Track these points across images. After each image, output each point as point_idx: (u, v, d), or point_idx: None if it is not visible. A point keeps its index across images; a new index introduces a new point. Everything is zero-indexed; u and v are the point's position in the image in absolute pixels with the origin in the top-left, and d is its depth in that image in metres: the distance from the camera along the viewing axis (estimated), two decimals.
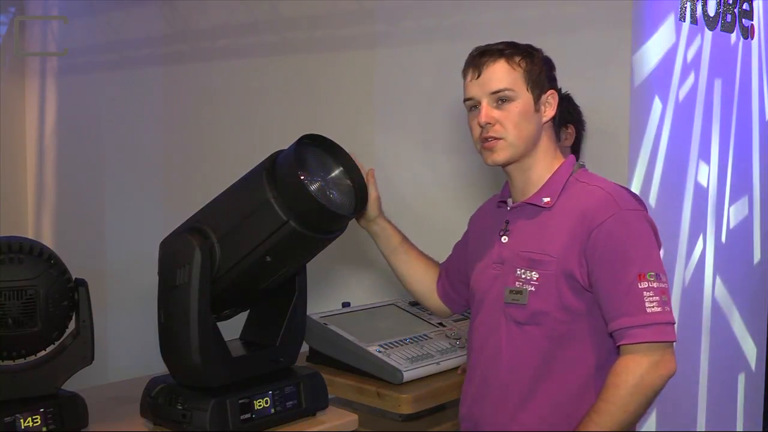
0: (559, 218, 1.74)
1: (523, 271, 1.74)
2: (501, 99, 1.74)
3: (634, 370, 1.62)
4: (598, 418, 1.63)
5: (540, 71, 1.77)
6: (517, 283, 1.74)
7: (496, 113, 1.74)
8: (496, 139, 1.74)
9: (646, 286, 1.63)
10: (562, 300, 1.70)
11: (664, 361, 1.63)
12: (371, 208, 1.99)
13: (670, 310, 1.66)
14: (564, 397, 1.71)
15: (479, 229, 1.96)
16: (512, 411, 1.74)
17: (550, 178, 1.79)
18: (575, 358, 1.71)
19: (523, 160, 1.78)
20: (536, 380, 1.72)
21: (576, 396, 1.71)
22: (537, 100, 1.76)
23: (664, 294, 1.65)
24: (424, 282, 2.10)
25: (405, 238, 2.09)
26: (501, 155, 1.76)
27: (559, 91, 1.84)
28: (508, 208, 1.84)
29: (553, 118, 1.82)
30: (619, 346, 1.66)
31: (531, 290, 1.72)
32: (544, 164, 1.80)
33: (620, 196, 1.73)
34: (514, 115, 1.73)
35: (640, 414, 1.66)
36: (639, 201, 1.78)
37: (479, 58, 1.77)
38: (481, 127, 1.75)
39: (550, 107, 1.79)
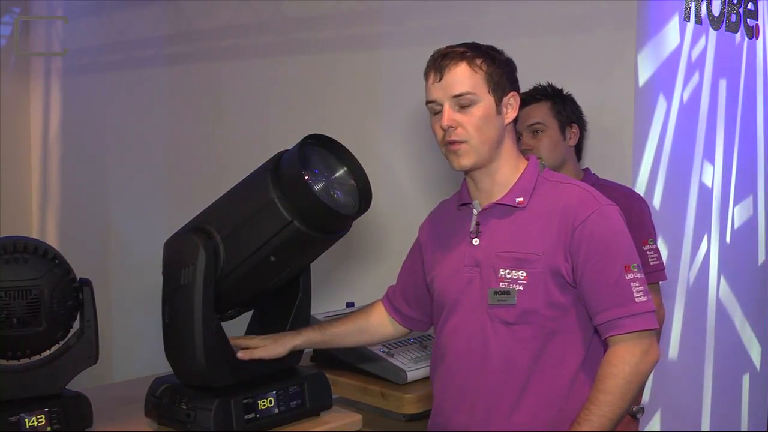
0: (536, 217, 1.74)
1: (507, 271, 1.73)
2: (463, 102, 1.73)
3: (629, 359, 1.65)
4: (599, 410, 1.64)
5: (502, 73, 1.75)
6: (501, 283, 1.74)
7: (458, 116, 1.73)
8: (459, 142, 1.74)
9: (632, 277, 1.68)
10: (549, 297, 1.71)
11: (652, 348, 1.68)
12: (284, 349, 1.98)
13: (651, 299, 1.70)
14: (555, 393, 1.73)
15: (436, 236, 1.93)
16: (506, 412, 1.74)
17: (519, 178, 1.79)
18: (563, 353, 1.73)
19: (489, 165, 1.78)
20: (527, 379, 1.73)
21: (566, 390, 1.72)
22: (499, 102, 1.75)
23: (645, 284, 1.70)
24: (367, 331, 2.08)
25: (320, 326, 2.06)
26: (467, 160, 1.75)
27: (519, 91, 1.83)
28: (475, 211, 1.82)
29: (515, 120, 1.81)
30: (607, 338, 1.69)
31: (519, 289, 1.72)
32: (510, 166, 1.80)
33: (596, 192, 1.76)
34: (476, 119, 1.73)
35: (632, 401, 1.70)
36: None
37: (440, 61, 1.76)
38: (444, 130, 1.75)
39: (512, 109, 1.78)
